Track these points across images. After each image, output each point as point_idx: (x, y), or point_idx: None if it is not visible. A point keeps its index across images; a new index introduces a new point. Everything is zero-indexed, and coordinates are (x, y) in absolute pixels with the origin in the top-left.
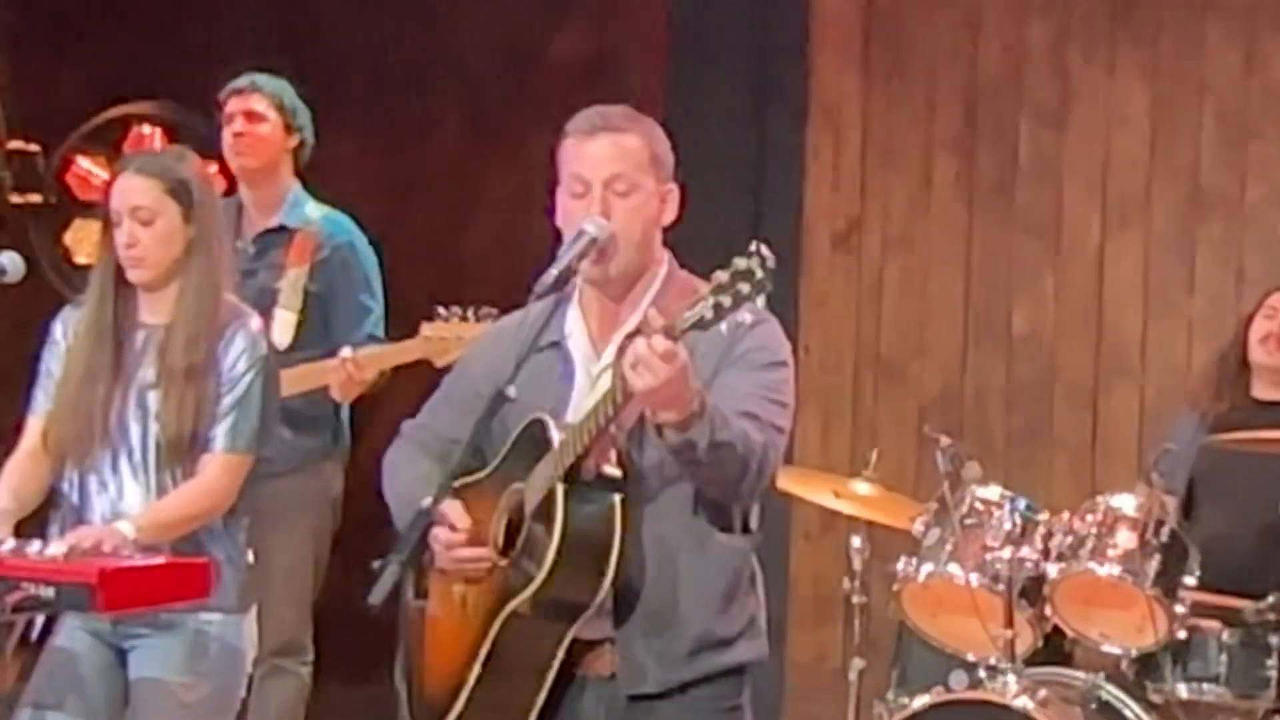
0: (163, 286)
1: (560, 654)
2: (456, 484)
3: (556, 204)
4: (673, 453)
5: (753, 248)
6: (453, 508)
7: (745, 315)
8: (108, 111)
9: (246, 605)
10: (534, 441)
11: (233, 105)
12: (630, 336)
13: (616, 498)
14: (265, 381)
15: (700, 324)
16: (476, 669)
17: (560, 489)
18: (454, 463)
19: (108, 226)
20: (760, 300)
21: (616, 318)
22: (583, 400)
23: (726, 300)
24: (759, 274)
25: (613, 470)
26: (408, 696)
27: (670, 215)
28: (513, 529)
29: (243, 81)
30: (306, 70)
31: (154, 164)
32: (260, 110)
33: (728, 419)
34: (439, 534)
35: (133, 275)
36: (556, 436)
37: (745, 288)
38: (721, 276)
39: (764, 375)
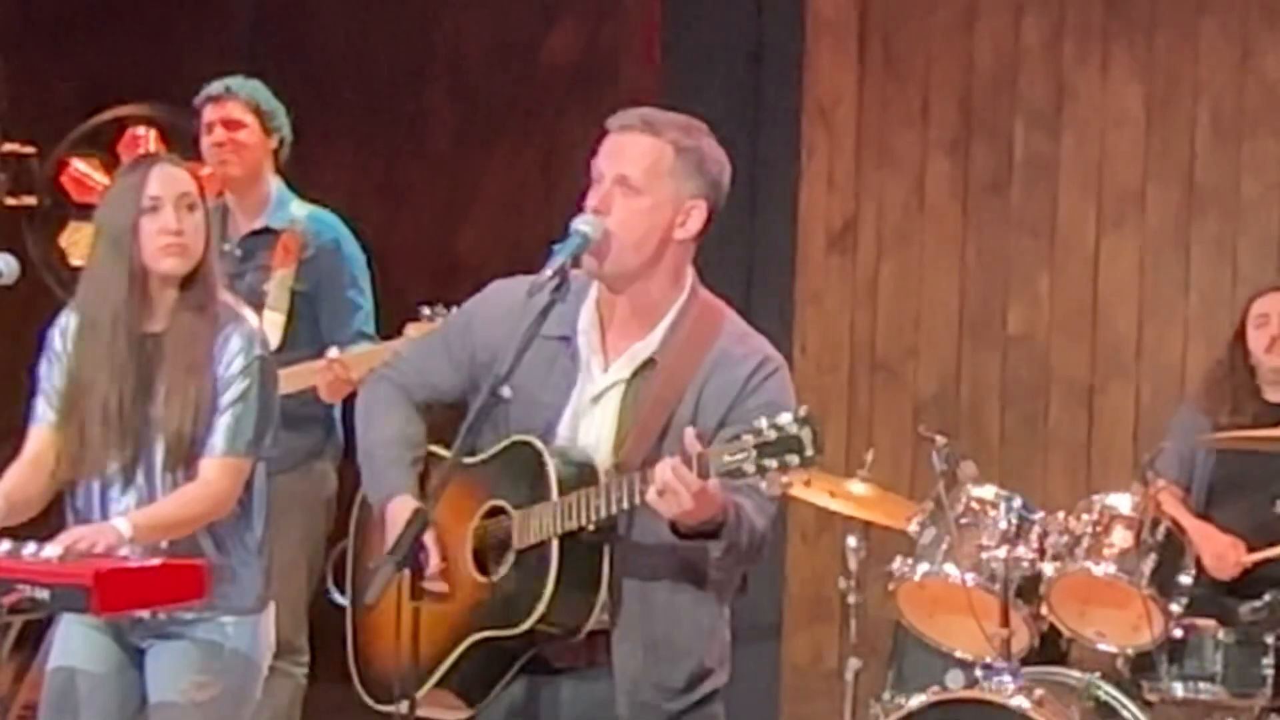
0: (177, 284)
1: (520, 663)
2: (437, 459)
3: None
4: (685, 548)
5: (803, 413)
6: (431, 541)
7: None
8: (103, 114)
9: (262, 606)
10: (526, 467)
11: (210, 113)
12: (645, 365)
13: (606, 549)
14: (263, 382)
15: (737, 474)
16: (439, 674)
17: (556, 545)
18: (448, 463)
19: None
20: (805, 474)
21: (630, 330)
22: (582, 409)
23: (771, 464)
24: (809, 451)
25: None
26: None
27: (689, 230)
28: (489, 545)
29: (217, 88)
30: (300, 72)
31: (184, 163)
32: (238, 116)
33: (741, 520)
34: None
35: (167, 265)
36: (553, 476)
37: (794, 460)
38: (768, 434)
39: None
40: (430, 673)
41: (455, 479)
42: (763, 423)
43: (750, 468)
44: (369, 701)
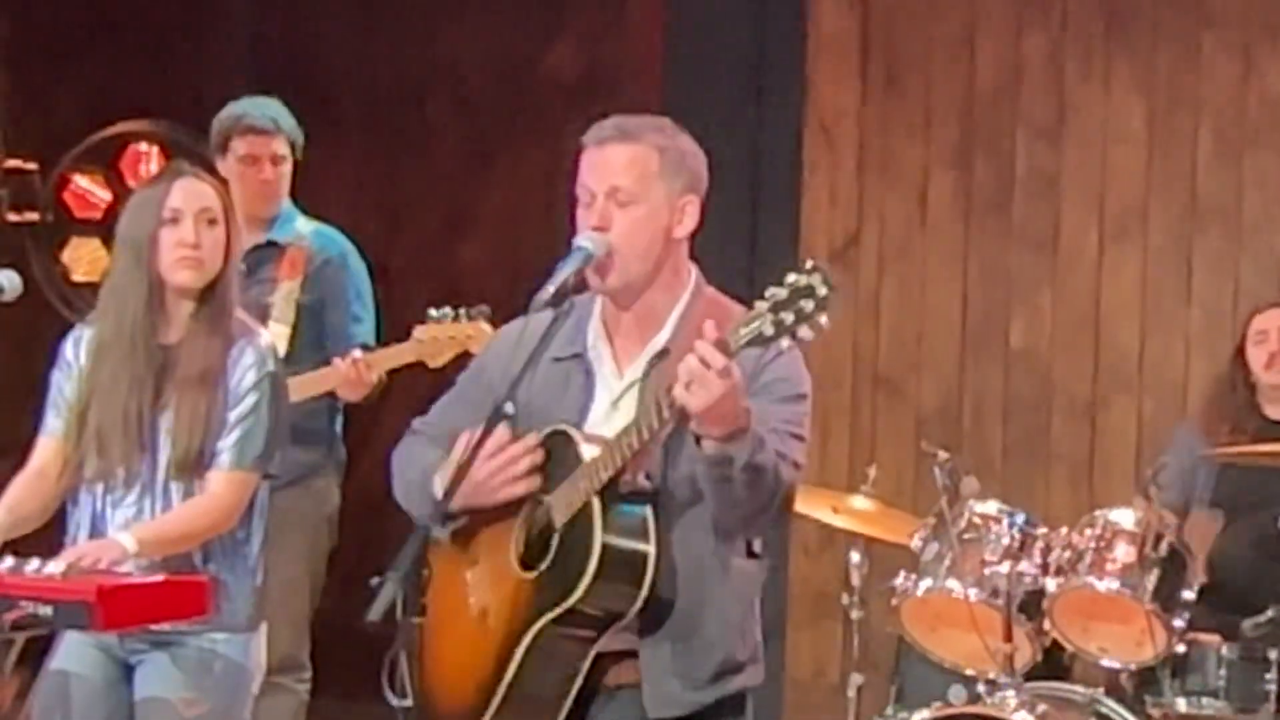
0: (194, 297)
1: (586, 665)
2: None
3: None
4: (709, 465)
5: (809, 263)
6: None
7: (800, 339)
8: (105, 130)
9: (255, 624)
10: (558, 453)
11: (254, 146)
12: (659, 356)
13: (649, 510)
14: (273, 398)
15: (759, 340)
16: (505, 683)
17: (596, 503)
18: (455, 471)
19: (108, 246)
20: (824, 319)
21: (640, 336)
22: (601, 416)
23: (789, 317)
24: (823, 291)
25: (645, 483)
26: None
27: (686, 228)
28: (532, 541)
29: (262, 120)
30: (302, 88)
31: (208, 176)
32: (284, 152)
33: (764, 442)
34: (497, 455)
35: (183, 277)
36: (586, 450)
37: (809, 305)
38: (779, 293)
39: (788, 409)
40: (495, 687)
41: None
42: (771, 289)
43: (769, 330)
44: None
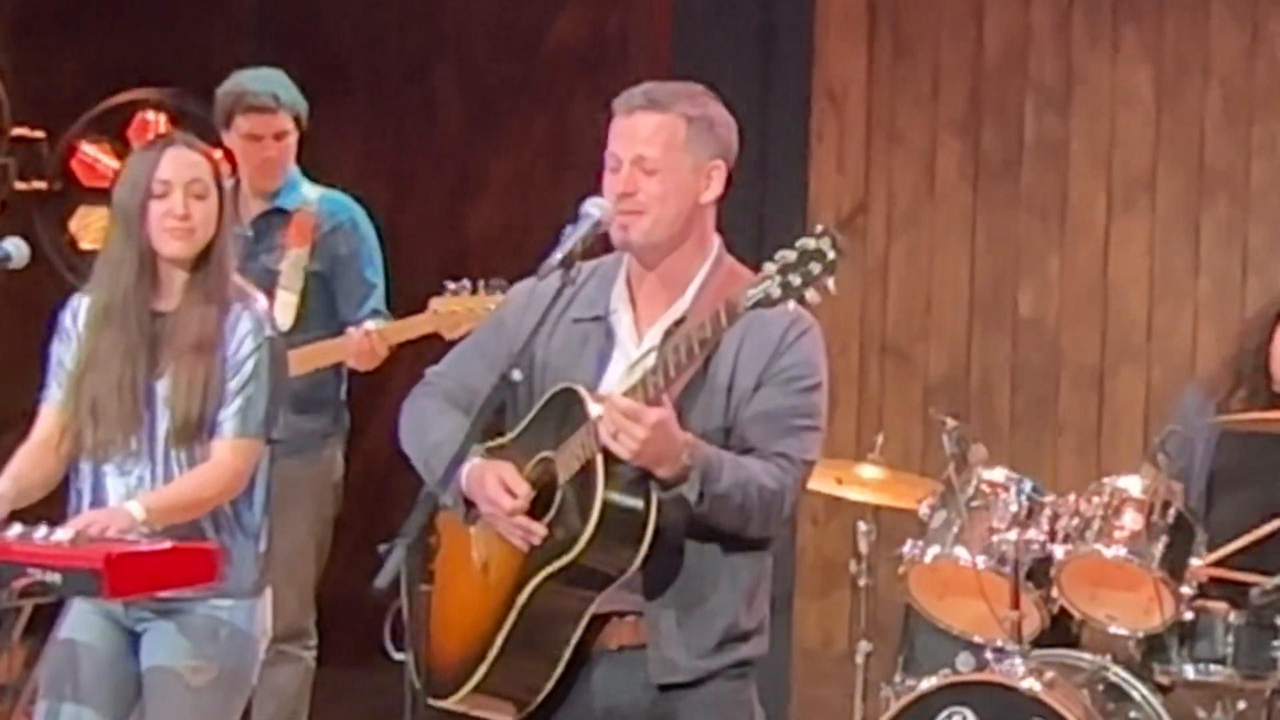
0: (187, 266)
1: (583, 623)
2: (482, 448)
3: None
4: (671, 501)
5: (819, 228)
6: (509, 472)
7: (807, 302)
8: (113, 98)
9: (260, 590)
10: (566, 411)
11: (254, 124)
12: (676, 324)
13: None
14: (272, 364)
15: (766, 302)
16: (502, 635)
17: (600, 459)
18: (466, 438)
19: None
20: (830, 282)
21: (663, 299)
22: (617, 380)
23: (796, 279)
24: (830, 255)
25: None
26: (419, 673)
27: (713, 192)
28: (538, 498)
29: (263, 96)
30: (309, 56)
31: (200, 145)
32: (287, 128)
33: (722, 471)
34: (499, 499)
35: (173, 248)
36: (594, 409)
37: (816, 268)
38: (789, 255)
39: (802, 400)
40: (492, 640)
41: (502, 456)
42: (781, 252)
43: (776, 291)
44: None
